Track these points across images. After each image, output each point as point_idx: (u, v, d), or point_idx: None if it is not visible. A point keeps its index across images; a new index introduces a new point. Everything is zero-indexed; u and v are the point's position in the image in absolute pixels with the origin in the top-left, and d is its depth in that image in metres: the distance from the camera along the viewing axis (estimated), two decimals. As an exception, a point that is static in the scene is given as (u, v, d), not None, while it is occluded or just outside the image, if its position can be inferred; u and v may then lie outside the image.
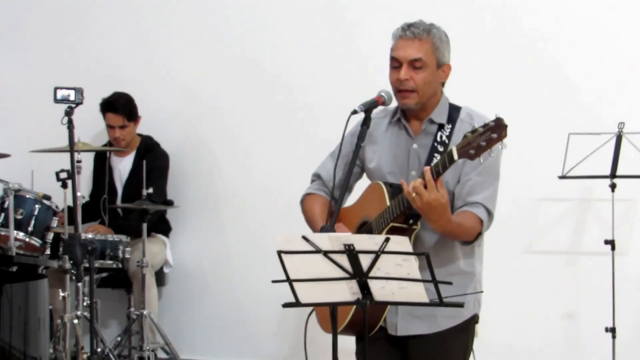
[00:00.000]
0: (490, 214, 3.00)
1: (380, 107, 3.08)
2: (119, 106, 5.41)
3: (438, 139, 3.03)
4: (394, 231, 2.91)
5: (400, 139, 3.11)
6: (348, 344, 3.15)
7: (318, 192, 3.29)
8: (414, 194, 2.75)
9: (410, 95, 3.00)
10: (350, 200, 3.28)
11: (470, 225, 2.95)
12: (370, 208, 3.03)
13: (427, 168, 2.76)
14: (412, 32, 3.00)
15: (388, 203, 2.94)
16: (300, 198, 3.35)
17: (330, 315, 2.67)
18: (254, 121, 5.57)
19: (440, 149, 3.00)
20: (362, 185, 3.24)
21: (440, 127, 3.05)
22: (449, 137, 3.02)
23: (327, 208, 3.21)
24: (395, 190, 2.96)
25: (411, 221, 2.93)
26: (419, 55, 2.98)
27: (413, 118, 3.10)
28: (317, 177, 3.34)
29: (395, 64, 3.02)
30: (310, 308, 3.08)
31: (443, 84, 3.12)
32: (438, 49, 3.03)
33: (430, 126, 3.07)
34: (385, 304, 2.75)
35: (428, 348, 3.07)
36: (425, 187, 2.75)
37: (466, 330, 3.11)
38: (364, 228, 3.07)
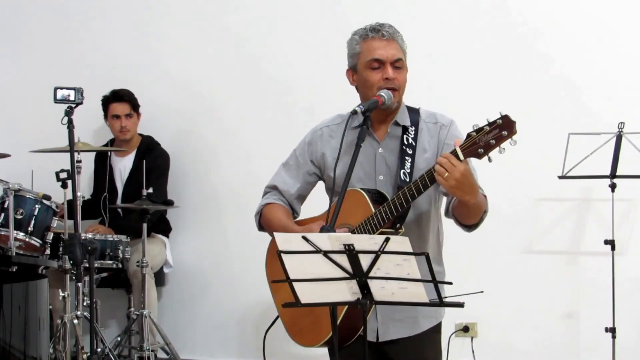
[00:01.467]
0: (483, 194, 2.98)
1: (334, 115, 3.11)
2: (124, 95, 5.49)
3: (405, 141, 3.04)
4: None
5: (365, 144, 3.03)
6: (323, 351, 3.15)
7: (276, 201, 3.26)
8: (446, 173, 2.70)
9: (394, 93, 3.01)
10: (306, 209, 3.27)
11: (483, 199, 2.94)
12: (349, 215, 2.98)
13: (446, 154, 2.72)
14: (387, 32, 3.02)
15: (372, 209, 2.93)
16: (257, 209, 3.28)
17: (330, 315, 2.66)
18: (254, 121, 5.57)
19: (409, 151, 3.01)
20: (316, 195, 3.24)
21: (404, 129, 3.06)
22: (414, 139, 3.04)
23: (291, 217, 3.20)
24: (375, 195, 2.97)
25: (398, 225, 2.94)
26: (400, 56, 3.02)
27: (378, 123, 3.10)
28: (272, 188, 3.31)
29: (376, 64, 3.02)
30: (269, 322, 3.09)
31: None
32: (404, 51, 3.07)
33: (395, 129, 3.08)
34: (385, 304, 2.74)
35: (407, 350, 3.08)
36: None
37: (440, 330, 3.16)
38: None
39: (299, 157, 3.22)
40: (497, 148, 2.66)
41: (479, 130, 2.67)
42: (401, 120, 3.08)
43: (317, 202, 3.22)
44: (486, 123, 2.66)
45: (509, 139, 2.64)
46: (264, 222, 3.25)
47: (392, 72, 3.00)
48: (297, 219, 3.26)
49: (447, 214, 3.06)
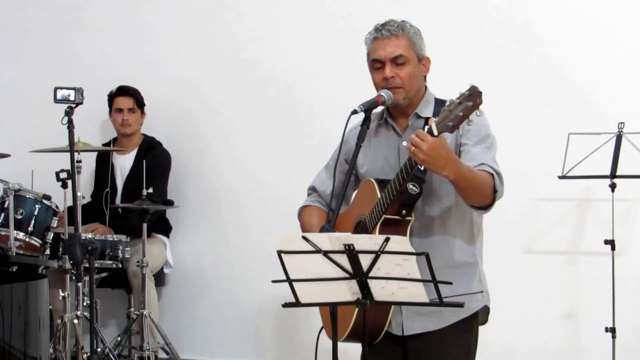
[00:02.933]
0: (497, 173, 2.92)
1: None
2: (130, 90, 5.52)
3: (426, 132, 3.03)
4: (388, 224, 2.90)
5: (390, 139, 3.11)
6: (354, 348, 3.14)
7: (314, 203, 3.29)
8: (413, 148, 2.69)
9: (398, 91, 3.00)
10: None
11: (483, 175, 2.87)
12: (364, 206, 3.03)
13: (418, 130, 2.72)
14: (388, 30, 3.01)
15: (379, 196, 2.94)
16: (298, 212, 3.35)
17: (330, 315, 2.67)
18: (254, 121, 5.57)
19: None
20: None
21: (427, 121, 3.01)
22: None
23: (325, 218, 3.20)
24: (384, 184, 2.96)
25: (404, 211, 2.90)
26: (400, 52, 3.00)
27: (399, 116, 3.11)
28: (312, 190, 3.36)
29: (377, 65, 3.03)
30: (307, 315, 3.09)
31: (425, 78, 3.13)
32: (415, 44, 3.04)
33: (417, 121, 3.07)
34: (385, 304, 2.75)
35: (433, 344, 3.03)
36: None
37: (472, 324, 3.09)
38: (360, 226, 3.06)
39: (336, 158, 3.20)
40: (466, 120, 2.63)
41: (451, 104, 2.66)
42: (422, 112, 3.06)
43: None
44: (457, 96, 2.65)
45: (476, 110, 2.61)
46: (301, 225, 3.31)
47: (390, 71, 2.99)
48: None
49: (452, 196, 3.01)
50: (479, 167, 2.90)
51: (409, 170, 2.81)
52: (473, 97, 2.60)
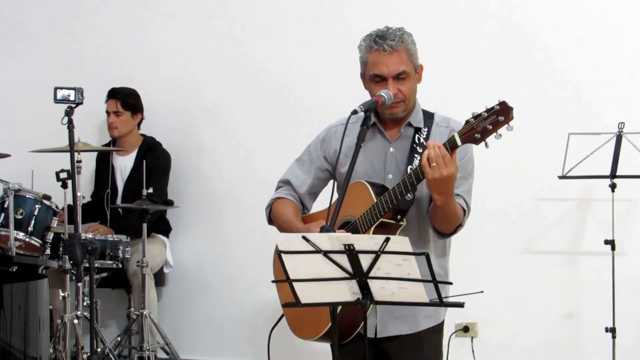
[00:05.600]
0: (469, 207, 3.05)
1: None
2: (117, 92, 5.51)
3: (416, 141, 3.07)
4: (381, 227, 2.95)
5: (376, 143, 3.12)
6: (323, 347, 3.15)
7: (287, 196, 3.29)
8: (434, 163, 2.75)
9: (399, 105, 3.05)
10: (317, 205, 3.28)
11: (459, 210, 2.98)
12: (352, 207, 3.02)
13: (439, 144, 2.78)
14: (390, 45, 3.01)
15: (375, 200, 2.96)
16: (268, 203, 3.32)
17: (330, 315, 2.67)
18: (254, 121, 5.57)
19: (420, 150, 3.03)
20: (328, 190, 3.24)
21: (417, 130, 3.09)
22: (426, 139, 3.06)
23: (299, 213, 3.22)
24: (378, 188, 3.00)
25: (399, 216, 2.96)
26: (402, 68, 3.02)
27: (390, 123, 3.13)
28: (284, 183, 3.34)
29: (378, 79, 3.04)
30: (276, 319, 3.11)
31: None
32: (413, 55, 3.07)
33: (408, 130, 3.11)
34: (385, 304, 2.75)
35: (406, 348, 3.09)
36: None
37: (439, 331, 3.17)
38: (348, 227, 3.06)
39: (312, 153, 3.26)
40: (494, 134, 2.70)
41: (477, 117, 2.72)
42: (414, 122, 3.11)
43: (326, 196, 3.20)
44: (484, 109, 2.71)
45: (506, 125, 2.68)
46: (273, 216, 3.29)
47: (393, 88, 3.01)
48: (312, 211, 3.30)
49: (427, 212, 3.06)
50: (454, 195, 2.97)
51: (420, 177, 2.85)
52: (505, 112, 2.67)
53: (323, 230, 2.77)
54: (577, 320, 4.90)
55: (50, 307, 4.55)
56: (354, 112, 2.93)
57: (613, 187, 4.45)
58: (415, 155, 3.01)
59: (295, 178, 3.29)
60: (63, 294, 4.63)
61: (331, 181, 3.26)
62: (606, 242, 4.50)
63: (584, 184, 4.72)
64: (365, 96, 3.09)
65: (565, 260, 4.95)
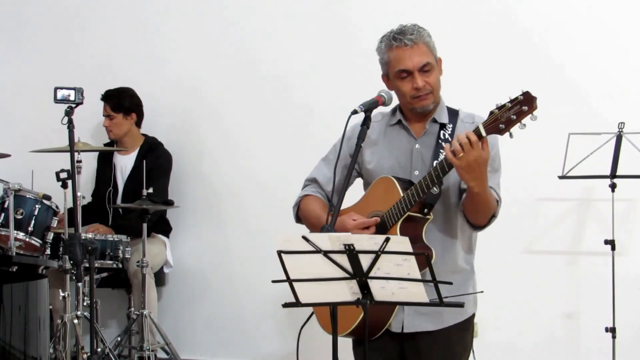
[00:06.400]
0: (500, 199, 3.07)
1: (376, 110, 3.10)
2: (109, 95, 5.49)
3: (441, 137, 3.09)
4: (408, 221, 2.98)
5: (402, 140, 3.16)
6: (347, 342, 3.16)
7: (314, 194, 3.31)
8: (461, 153, 2.78)
9: (428, 97, 3.08)
10: (347, 202, 3.28)
11: (493, 199, 3.00)
12: (379, 202, 3.07)
13: (468, 132, 2.81)
14: (410, 39, 3.04)
15: (401, 194, 2.98)
16: (296, 201, 3.35)
17: (330, 315, 2.67)
18: (254, 121, 5.57)
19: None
20: (354, 189, 3.25)
21: (442, 126, 3.12)
22: (451, 135, 3.08)
23: (327, 210, 3.23)
24: (405, 183, 3.03)
25: (426, 210, 2.99)
26: (426, 60, 3.05)
27: (414, 120, 3.16)
28: (312, 181, 3.36)
29: (404, 74, 3.06)
30: (307, 315, 3.12)
31: None
32: (432, 47, 3.10)
33: (433, 126, 3.13)
34: (385, 304, 2.75)
35: (432, 344, 3.09)
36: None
37: (468, 328, 3.17)
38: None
39: (338, 151, 3.23)
40: (518, 124, 2.75)
41: (501, 107, 2.76)
42: (439, 118, 3.13)
43: (354, 193, 3.25)
44: (508, 100, 2.75)
45: (530, 114, 2.73)
46: (301, 214, 3.32)
47: (420, 80, 3.04)
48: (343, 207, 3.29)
49: (459, 207, 3.09)
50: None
51: (446, 169, 2.89)
52: (528, 102, 2.72)
53: (323, 230, 2.78)
54: (577, 320, 4.90)
55: (50, 307, 4.55)
56: (354, 112, 2.95)
57: (613, 187, 4.46)
58: (441, 151, 3.03)
59: (322, 176, 3.31)
60: (63, 294, 4.64)
61: (358, 179, 3.30)
62: (606, 242, 4.50)
63: (584, 184, 4.72)
64: (366, 96, 3.09)
65: (565, 260, 4.95)
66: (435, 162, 3.00)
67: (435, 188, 2.95)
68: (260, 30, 5.56)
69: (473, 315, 3.19)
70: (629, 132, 4.44)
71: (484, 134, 2.79)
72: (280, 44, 5.51)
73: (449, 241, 3.08)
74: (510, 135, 2.77)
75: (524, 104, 2.72)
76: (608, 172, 4.44)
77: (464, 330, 3.15)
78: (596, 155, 4.41)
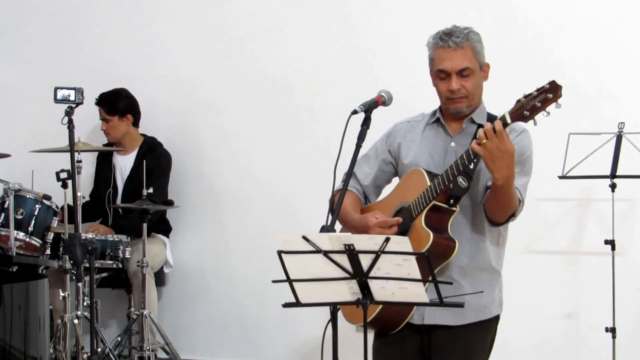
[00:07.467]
0: (523, 200, 3.10)
1: (418, 113, 3.20)
2: (102, 99, 5.48)
3: (477, 137, 3.08)
4: (434, 211, 2.99)
5: (438, 137, 3.19)
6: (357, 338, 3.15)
7: (350, 188, 3.30)
8: (484, 140, 2.81)
9: (462, 100, 3.10)
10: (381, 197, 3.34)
11: (515, 199, 3.02)
12: (408, 193, 3.09)
13: (497, 121, 2.84)
14: (454, 42, 3.07)
15: (429, 184, 3.00)
16: (332, 192, 3.35)
17: (330, 315, 2.67)
18: (254, 121, 5.57)
19: None
20: (390, 186, 3.31)
21: (479, 127, 3.11)
22: None
23: (359, 204, 3.27)
24: (434, 176, 3.04)
25: (452, 201, 3.00)
26: (466, 65, 3.08)
27: (452, 119, 3.18)
28: (351, 175, 3.35)
29: (443, 75, 3.09)
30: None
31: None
32: (479, 53, 3.14)
33: (470, 126, 3.15)
34: (385, 304, 2.75)
35: (451, 340, 3.10)
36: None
37: (489, 329, 3.19)
38: (403, 212, 3.10)
39: (378, 147, 3.31)
40: (543, 111, 2.79)
41: (528, 96, 2.81)
42: (477, 119, 3.15)
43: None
44: (535, 89, 2.79)
45: (555, 102, 2.78)
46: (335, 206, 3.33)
47: (456, 83, 3.07)
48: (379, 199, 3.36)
49: (481, 202, 3.09)
50: None
51: (472, 158, 2.92)
52: (553, 90, 2.79)
53: (323, 230, 2.78)
54: (577, 320, 4.90)
55: (50, 307, 4.55)
56: (354, 112, 2.95)
57: (613, 187, 4.46)
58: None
59: (360, 171, 3.32)
60: (63, 294, 4.64)
61: (395, 178, 3.32)
62: (606, 242, 4.50)
63: (584, 184, 4.72)
64: (366, 96, 3.09)
65: (565, 260, 4.95)
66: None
67: (463, 180, 2.97)
68: (260, 30, 5.56)
69: (497, 318, 3.19)
70: (629, 132, 4.44)
71: (509, 121, 2.81)
72: (280, 44, 5.51)
73: (475, 237, 3.09)
74: (535, 122, 2.80)
75: (549, 92, 2.77)
76: (608, 172, 4.44)
77: (485, 331, 3.16)
78: (596, 155, 4.41)
